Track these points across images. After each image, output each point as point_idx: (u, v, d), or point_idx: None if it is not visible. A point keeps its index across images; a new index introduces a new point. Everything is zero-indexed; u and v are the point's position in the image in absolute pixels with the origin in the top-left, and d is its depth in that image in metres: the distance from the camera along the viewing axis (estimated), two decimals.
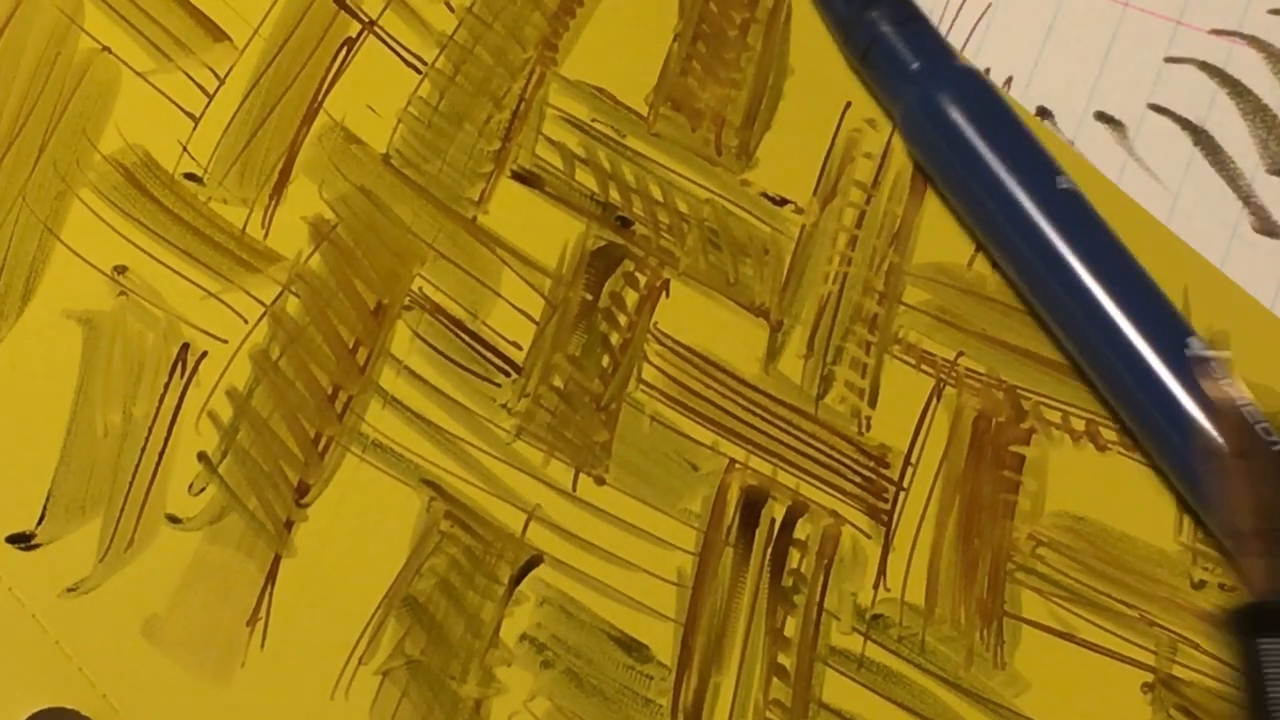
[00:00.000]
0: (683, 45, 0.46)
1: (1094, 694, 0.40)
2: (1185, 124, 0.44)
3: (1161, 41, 0.45)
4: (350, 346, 0.43)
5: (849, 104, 0.45)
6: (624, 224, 0.44)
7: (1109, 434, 0.42)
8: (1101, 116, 0.45)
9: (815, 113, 0.45)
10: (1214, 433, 0.39)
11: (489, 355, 0.43)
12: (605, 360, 0.43)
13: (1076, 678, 0.41)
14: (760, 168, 0.45)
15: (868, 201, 0.44)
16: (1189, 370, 0.39)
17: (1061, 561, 0.41)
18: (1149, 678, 0.40)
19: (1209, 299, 0.43)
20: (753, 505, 0.42)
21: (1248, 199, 0.44)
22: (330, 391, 0.43)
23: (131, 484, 0.42)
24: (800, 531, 0.42)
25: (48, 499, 0.42)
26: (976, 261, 0.43)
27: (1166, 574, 0.41)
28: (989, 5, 0.46)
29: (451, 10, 0.46)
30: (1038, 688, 0.40)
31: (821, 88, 0.45)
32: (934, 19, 0.45)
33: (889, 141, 0.45)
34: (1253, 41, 0.44)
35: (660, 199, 0.44)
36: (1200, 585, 0.41)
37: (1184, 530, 0.41)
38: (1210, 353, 0.39)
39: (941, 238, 0.44)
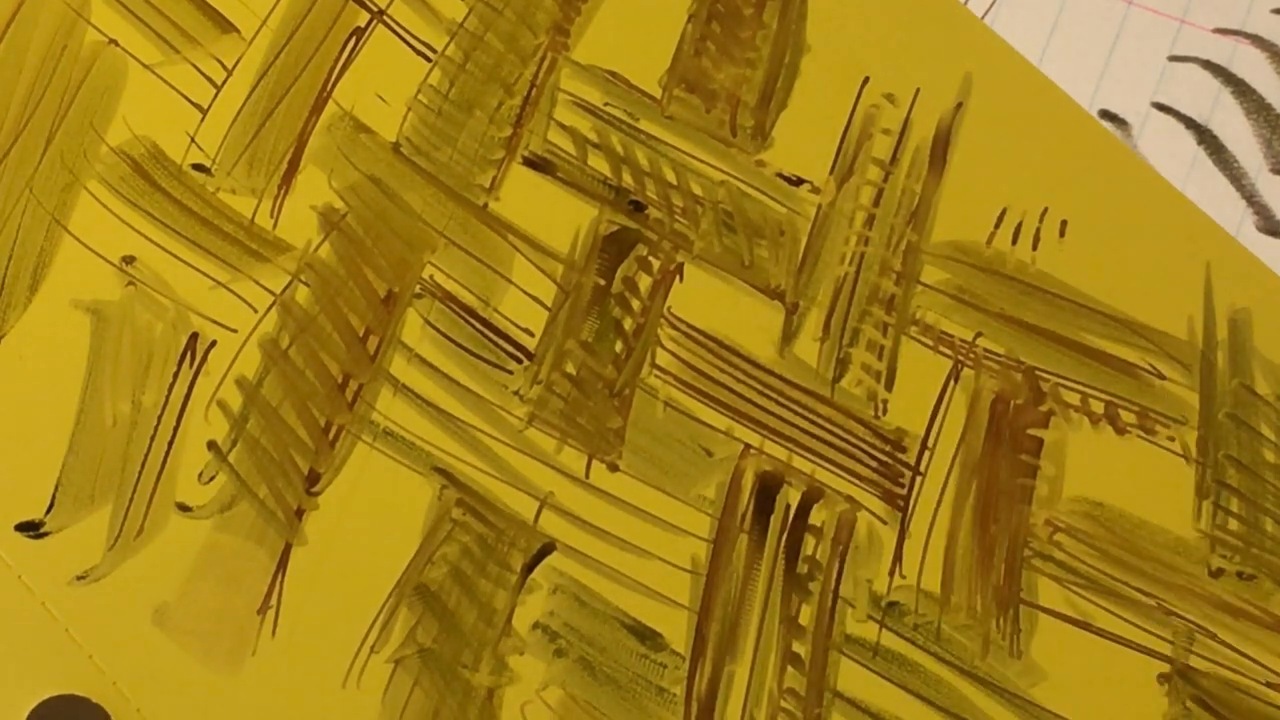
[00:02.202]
0: (697, 25, 0.48)
1: (1110, 685, 0.43)
2: (1189, 123, 0.46)
3: (1165, 40, 0.47)
4: (360, 335, 0.46)
5: (867, 79, 0.48)
6: (637, 208, 0.47)
7: (1128, 416, 0.44)
8: (1106, 115, 0.47)
9: (833, 90, 0.47)
10: None
11: (501, 342, 0.46)
12: (618, 346, 0.46)
13: (1093, 668, 0.43)
14: (776, 148, 0.47)
15: (885, 179, 0.47)
16: None
17: (1079, 548, 0.44)
18: (1165, 668, 0.43)
19: (1230, 273, 0.45)
20: (767, 491, 0.45)
21: (1251, 198, 0.46)
22: (340, 380, 0.46)
23: (141, 472, 0.45)
24: (815, 517, 0.44)
25: (57, 487, 0.45)
26: (995, 239, 0.46)
27: (1184, 562, 0.43)
28: (993, 3, 0.48)
29: None
30: (1054, 677, 0.43)
31: (839, 64, 0.48)
32: None
33: (908, 116, 0.47)
34: (1256, 40, 0.47)
35: (674, 182, 0.47)
36: (1218, 574, 0.43)
37: (1203, 517, 0.44)
38: None
39: (961, 214, 0.46)
